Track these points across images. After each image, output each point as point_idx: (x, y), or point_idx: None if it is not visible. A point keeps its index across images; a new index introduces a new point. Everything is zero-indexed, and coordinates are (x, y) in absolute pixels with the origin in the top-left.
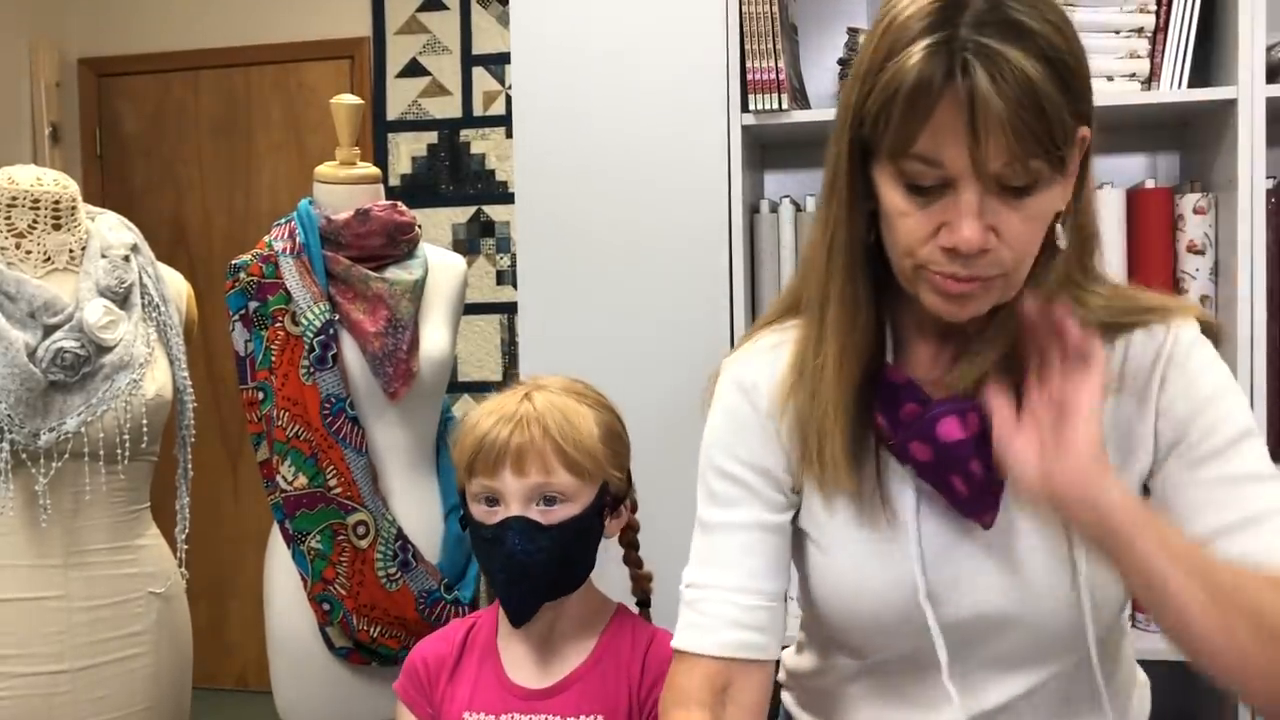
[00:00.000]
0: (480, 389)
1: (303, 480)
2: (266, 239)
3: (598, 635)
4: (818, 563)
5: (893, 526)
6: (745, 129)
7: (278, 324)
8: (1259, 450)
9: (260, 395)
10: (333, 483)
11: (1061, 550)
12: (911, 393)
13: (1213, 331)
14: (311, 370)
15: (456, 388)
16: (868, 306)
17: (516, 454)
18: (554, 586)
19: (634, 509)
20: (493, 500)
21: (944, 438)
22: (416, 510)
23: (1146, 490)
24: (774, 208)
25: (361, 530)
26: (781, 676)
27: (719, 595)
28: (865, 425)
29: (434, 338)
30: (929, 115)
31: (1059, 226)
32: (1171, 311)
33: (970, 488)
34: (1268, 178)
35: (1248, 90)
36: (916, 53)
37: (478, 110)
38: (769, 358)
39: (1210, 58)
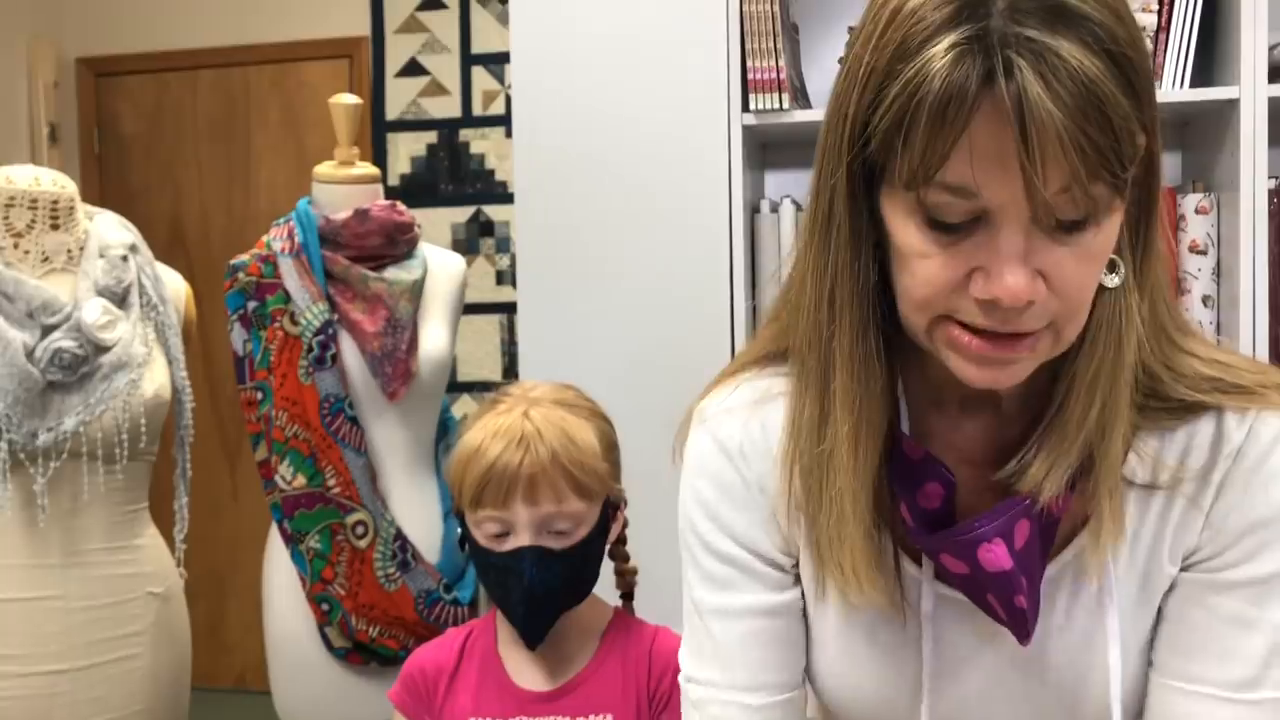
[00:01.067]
0: (480, 389)
1: (301, 480)
2: (265, 239)
3: (599, 637)
4: (812, 650)
5: (901, 624)
6: (746, 128)
7: (276, 324)
8: None
9: (259, 395)
10: (331, 483)
11: (1090, 660)
12: (932, 471)
13: None
14: (310, 370)
15: (456, 388)
16: (883, 371)
17: (528, 484)
18: (568, 604)
19: (624, 506)
20: (502, 529)
21: (989, 567)
22: (415, 510)
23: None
24: (774, 208)
25: (360, 530)
26: None
27: (726, 696)
28: (880, 512)
29: (433, 338)
30: (961, 133)
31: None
32: (1260, 396)
33: (1014, 613)
34: (1270, 178)
35: (1250, 90)
36: (940, 52)
37: (477, 110)
38: (755, 417)
39: (1212, 57)
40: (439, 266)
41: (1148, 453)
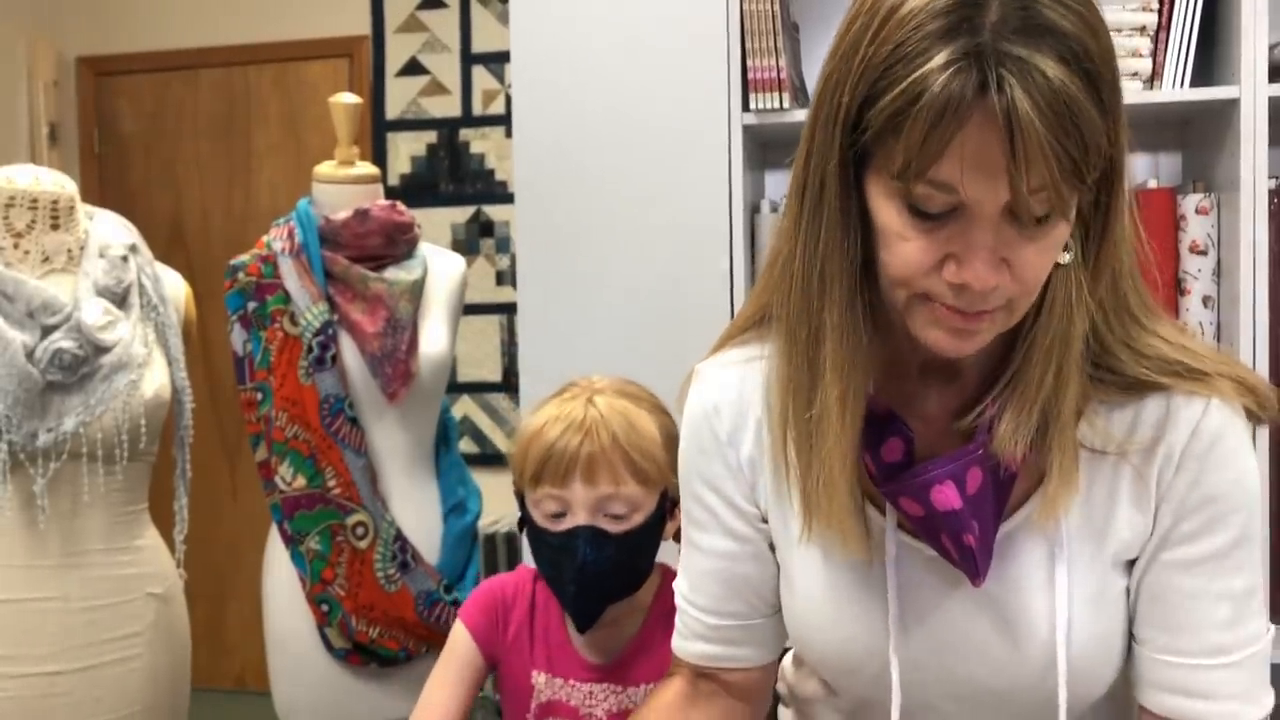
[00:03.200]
0: (479, 390)
1: (301, 481)
2: (265, 239)
3: (649, 602)
4: (783, 592)
5: (868, 568)
6: (746, 128)
7: (276, 324)
8: (1253, 580)
9: (259, 396)
10: (331, 484)
11: (1049, 619)
12: (895, 428)
13: (1260, 408)
14: (310, 371)
15: (455, 388)
16: (868, 339)
17: (587, 463)
18: (619, 592)
19: None
20: (559, 508)
21: (940, 506)
22: (415, 511)
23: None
24: (775, 208)
25: (360, 531)
26: (781, 688)
27: (694, 612)
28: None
29: (433, 338)
30: (954, 137)
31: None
32: (1212, 382)
33: (963, 551)
34: (1270, 177)
35: (1250, 89)
36: (938, 63)
37: (477, 109)
38: (735, 377)
39: (1213, 57)
40: (439, 267)
41: (1098, 422)
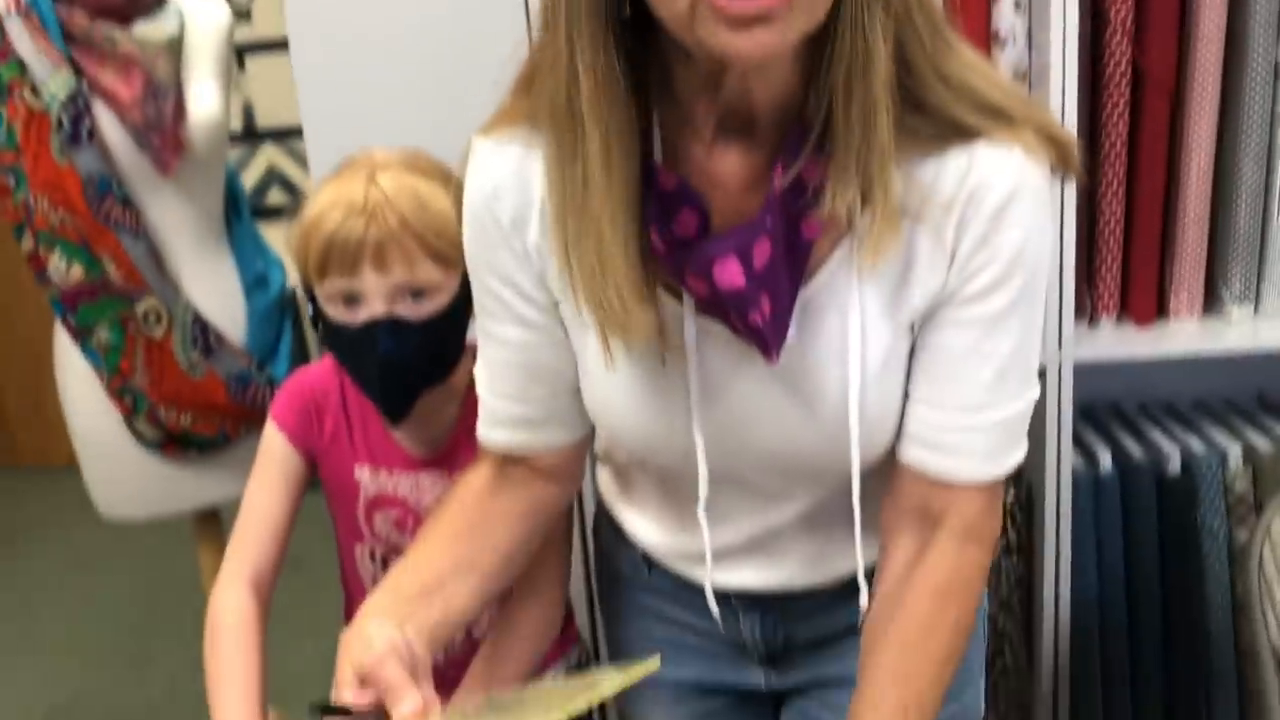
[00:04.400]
0: (284, 137)
1: (78, 272)
2: None
3: (465, 386)
4: (580, 378)
5: (665, 351)
6: None
7: (15, 97)
8: (1025, 342)
9: (11, 180)
10: (111, 271)
11: (843, 386)
12: (685, 197)
13: (1064, 163)
14: (64, 149)
15: (255, 137)
16: (628, 82)
17: (376, 250)
18: (428, 381)
19: None
20: (351, 299)
21: (722, 284)
22: (212, 290)
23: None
24: None
25: (153, 318)
26: (599, 447)
27: (492, 399)
28: (643, 248)
29: (202, 99)
30: None
31: None
32: (1018, 130)
33: (753, 328)
34: None
35: None
36: None
37: None
38: (514, 156)
39: None
40: (198, 17)
41: (897, 186)
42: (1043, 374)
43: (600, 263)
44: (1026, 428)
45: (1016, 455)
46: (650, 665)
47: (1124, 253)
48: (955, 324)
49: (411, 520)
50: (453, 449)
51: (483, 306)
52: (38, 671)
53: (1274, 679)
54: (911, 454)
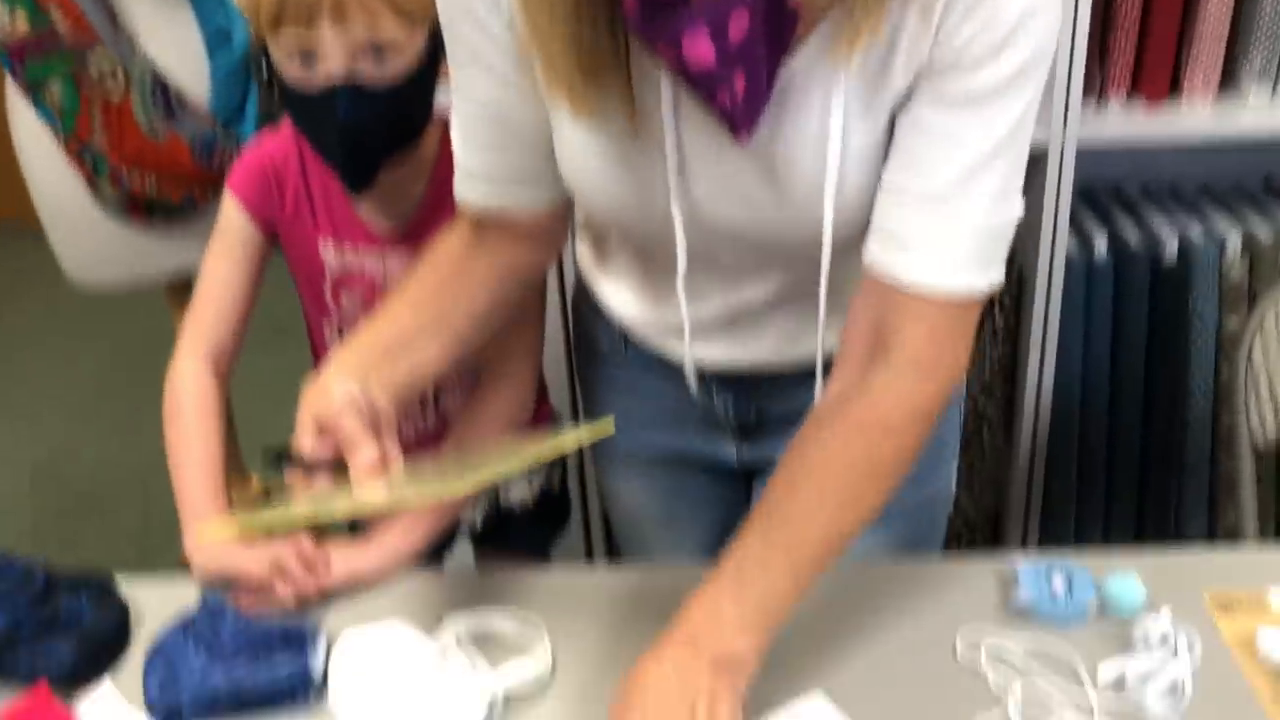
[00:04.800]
0: None
1: (23, 24)
2: None
3: (433, 157)
4: (555, 145)
5: (639, 119)
6: None
7: None
8: (1009, 143)
9: None
10: (59, 20)
11: (819, 163)
12: None
13: None
14: None
15: None
16: None
17: (335, 3)
18: (393, 147)
19: None
20: (308, 56)
21: (691, 61)
22: (172, 47)
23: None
24: None
25: (109, 76)
26: (578, 215)
27: (466, 157)
28: (611, 13)
29: None
30: None
31: None
32: None
33: (725, 105)
34: None
35: None
36: None
37: None
38: None
39: None
40: None
41: None
42: (1044, 154)
43: (550, 25)
44: (1002, 253)
45: (983, 279)
46: (605, 425)
47: (1140, 26)
48: (934, 99)
49: (378, 300)
50: (420, 226)
51: (454, 59)
52: (22, 431)
53: (1249, 466)
54: (871, 251)
